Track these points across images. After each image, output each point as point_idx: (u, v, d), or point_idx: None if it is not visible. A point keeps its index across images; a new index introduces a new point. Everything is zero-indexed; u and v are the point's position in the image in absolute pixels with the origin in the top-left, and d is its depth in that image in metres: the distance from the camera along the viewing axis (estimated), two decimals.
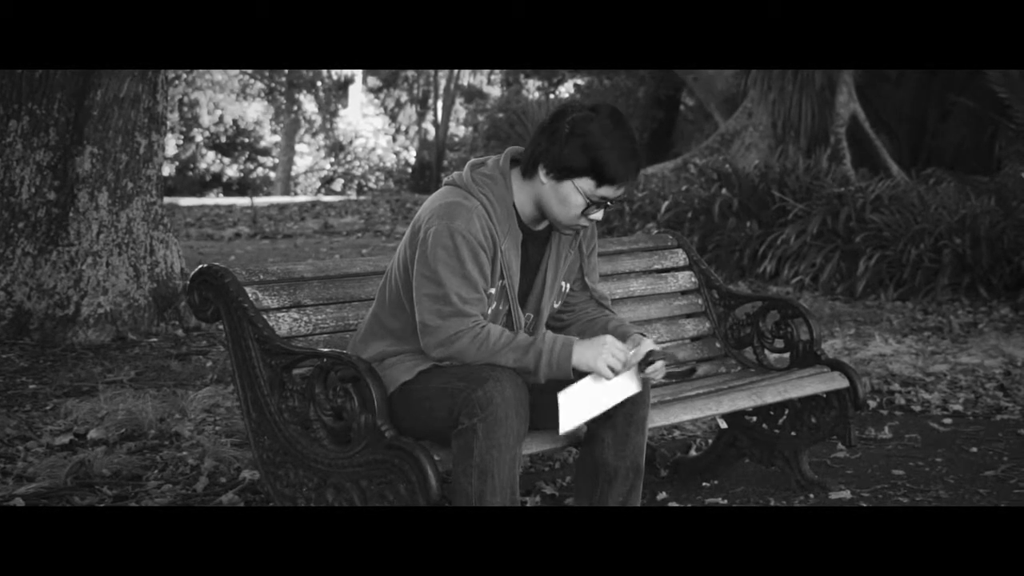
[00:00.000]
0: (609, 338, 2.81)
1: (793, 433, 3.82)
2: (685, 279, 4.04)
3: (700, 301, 4.03)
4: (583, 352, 2.77)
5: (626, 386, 2.85)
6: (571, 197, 2.82)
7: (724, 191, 9.98)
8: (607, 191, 2.82)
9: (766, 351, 3.91)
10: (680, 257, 4.08)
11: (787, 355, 3.87)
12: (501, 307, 2.88)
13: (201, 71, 24.62)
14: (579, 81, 18.05)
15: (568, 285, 3.05)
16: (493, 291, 2.84)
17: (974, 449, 4.39)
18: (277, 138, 27.30)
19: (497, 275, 2.84)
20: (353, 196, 22.72)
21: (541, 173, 2.83)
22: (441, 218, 2.78)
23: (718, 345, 3.98)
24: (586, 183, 2.81)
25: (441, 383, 2.78)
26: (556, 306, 3.04)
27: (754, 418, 3.91)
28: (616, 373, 2.79)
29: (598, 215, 2.87)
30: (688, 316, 4.00)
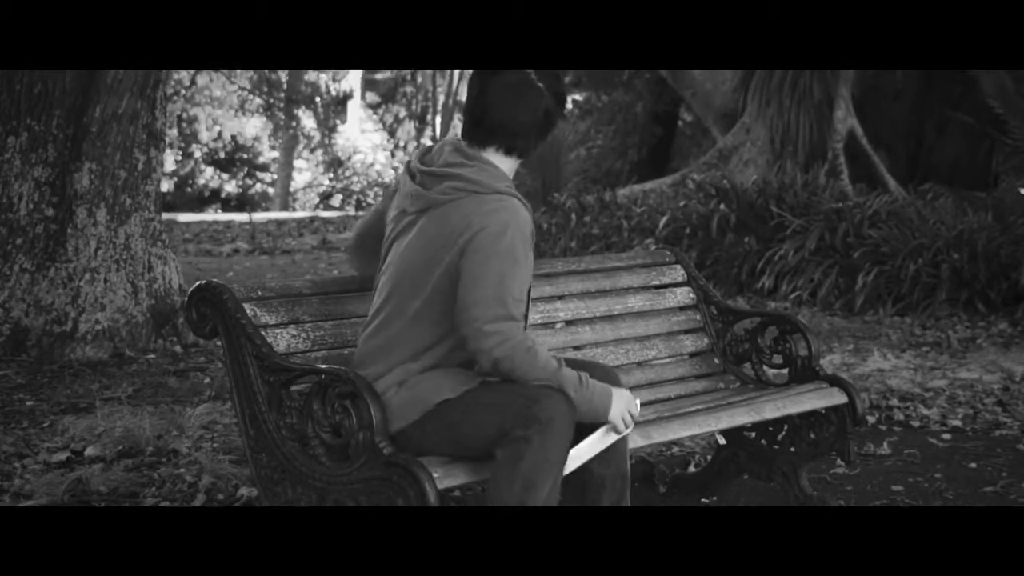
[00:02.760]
0: (633, 396, 2.89)
1: (792, 449, 3.82)
2: (683, 295, 4.04)
3: (698, 317, 4.03)
4: (618, 402, 2.84)
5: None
6: None
7: (722, 207, 9.98)
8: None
9: (765, 367, 3.90)
10: (678, 273, 4.08)
11: (786, 371, 3.87)
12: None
13: (200, 87, 24.65)
14: (577, 97, 18.12)
15: None
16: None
17: (973, 465, 4.39)
18: (275, 154, 27.34)
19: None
20: (352, 212, 22.74)
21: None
22: (500, 220, 2.77)
23: (716, 361, 3.98)
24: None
25: (491, 398, 2.77)
26: None
27: (753, 434, 3.90)
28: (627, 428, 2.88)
29: None
30: (686, 332, 3.99)
